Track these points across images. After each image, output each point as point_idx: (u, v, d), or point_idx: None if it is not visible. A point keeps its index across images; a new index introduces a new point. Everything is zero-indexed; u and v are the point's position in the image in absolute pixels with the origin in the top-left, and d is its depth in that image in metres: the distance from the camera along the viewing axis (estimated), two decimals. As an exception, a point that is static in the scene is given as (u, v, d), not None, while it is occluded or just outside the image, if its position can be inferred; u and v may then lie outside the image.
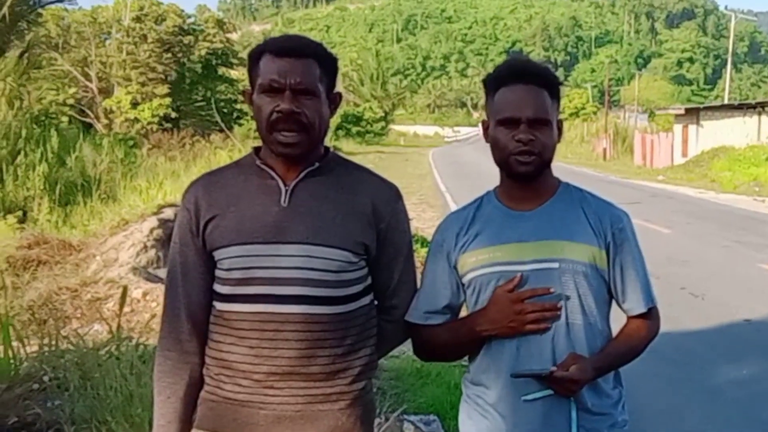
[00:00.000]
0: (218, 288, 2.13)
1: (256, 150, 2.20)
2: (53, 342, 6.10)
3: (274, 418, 2.07)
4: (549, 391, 2.12)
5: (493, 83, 2.28)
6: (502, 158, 2.22)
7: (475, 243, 2.24)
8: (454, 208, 19.24)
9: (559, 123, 2.28)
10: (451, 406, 5.34)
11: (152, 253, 8.58)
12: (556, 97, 2.26)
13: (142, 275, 7.91)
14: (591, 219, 2.21)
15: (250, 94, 2.16)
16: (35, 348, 6.18)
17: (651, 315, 2.26)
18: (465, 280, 2.25)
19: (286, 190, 2.10)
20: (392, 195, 2.23)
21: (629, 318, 2.27)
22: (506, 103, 2.21)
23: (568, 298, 2.16)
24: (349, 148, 64.11)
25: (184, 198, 2.19)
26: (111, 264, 8.02)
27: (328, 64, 2.16)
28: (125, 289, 6.22)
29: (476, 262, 2.22)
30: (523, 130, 2.16)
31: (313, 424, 2.08)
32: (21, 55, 24.72)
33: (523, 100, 2.19)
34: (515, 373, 2.13)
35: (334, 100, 2.20)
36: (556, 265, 2.16)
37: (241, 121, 42.12)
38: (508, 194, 2.28)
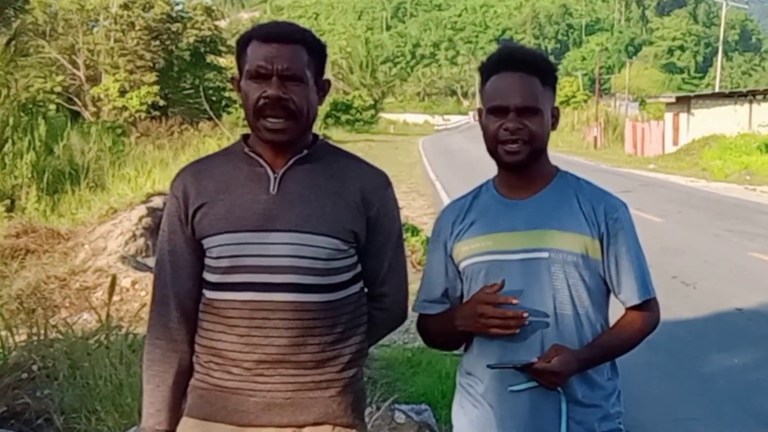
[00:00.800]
0: (207, 276, 2.12)
1: (245, 137, 2.19)
2: (42, 331, 6.07)
3: (264, 405, 2.07)
4: (535, 383, 2.11)
5: (485, 71, 2.26)
6: (491, 147, 2.21)
7: (469, 232, 2.23)
8: (444, 196, 19.18)
9: (555, 110, 2.26)
10: (442, 396, 5.35)
11: (141, 241, 8.56)
12: (549, 84, 2.24)
13: (131, 264, 7.89)
14: (585, 208, 2.18)
15: (238, 81, 2.15)
16: (24, 337, 6.16)
17: (648, 307, 2.23)
18: (460, 268, 2.25)
19: (275, 178, 2.09)
20: (381, 182, 2.22)
21: (626, 309, 2.25)
22: (495, 92, 2.20)
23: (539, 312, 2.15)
24: (338, 136, 64.02)
25: (173, 186, 2.18)
26: (99, 253, 8.00)
27: (316, 50, 2.15)
28: (114, 278, 6.19)
29: (469, 251, 2.22)
30: (511, 118, 2.15)
31: (303, 411, 2.08)
32: (8, 43, 24.53)
33: (511, 88, 2.17)
34: (492, 364, 2.13)
35: (323, 87, 2.19)
36: (545, 254, 2.14)
37: (230, 109, 41.96)
38: (503, 183, 2.27)
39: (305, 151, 2.13)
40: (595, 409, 2.18)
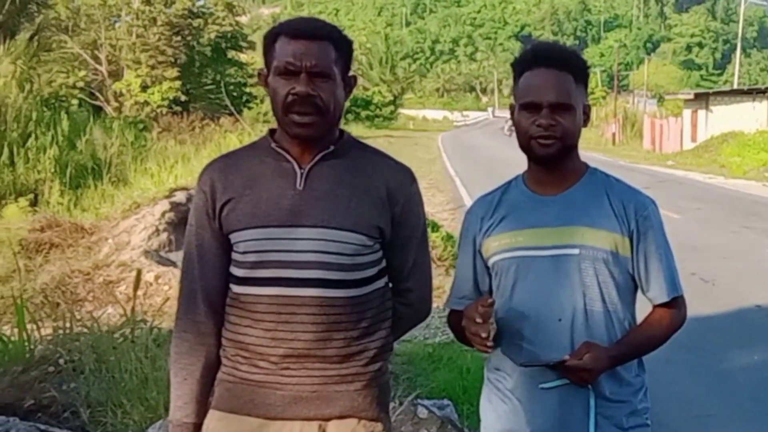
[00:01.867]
0: (234, 271, 2.14)
1: (271, 132, 2.21)
2: (67, 325, 6.14)
3: (290, 398, 2.09)
4: (566, 380, 2.13)
5: (518, 67, 2.27)
6: (524, 142, 2.22)
7: (499, 227, 2.24)
8: (463, 192, 19.13)
9: (586, 107, 2.26)
10: (464, 391, 5.36)
11: (164, 236, 8.61)
12: (581, 81, 2.25)
13: (154, 258, 7.94)
14: (615, 205, 2.19)
15: (265, 77, 2.17)
16: (50, 331, 6.22)
17: (676, 304, 2.23)
18: (489, 264, 2.27)
19: (302, 174, 2.11)
20: (407, 178, 2.23)
21: (654, 307, 2.25)
22: (528, 88, 2.21)
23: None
24: (358, 132, 64.00)
25: (200, 181, 2.20)
26: (123, 247, 8.06)
27: (343, 47, 2.17)
28: (139, 272, 6.25)
29: (498, 247, 2.23)
30: (544, 114, 2.15)
31: (329, 404, 2.10)
32: (31, 38, 24.74)
33: (544, 85, 2.18)
34: (525, 362, 2.14)
35: (349, 83, 2.21)
36: (576, 251, 2.15)
37: (251, 105, 42.07)
38: (533, 179, 2.27)
39: (332, 147, 2.14)
40: (623, 404, 2.19)
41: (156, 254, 8.11)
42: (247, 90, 43.11)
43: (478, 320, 2.07)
